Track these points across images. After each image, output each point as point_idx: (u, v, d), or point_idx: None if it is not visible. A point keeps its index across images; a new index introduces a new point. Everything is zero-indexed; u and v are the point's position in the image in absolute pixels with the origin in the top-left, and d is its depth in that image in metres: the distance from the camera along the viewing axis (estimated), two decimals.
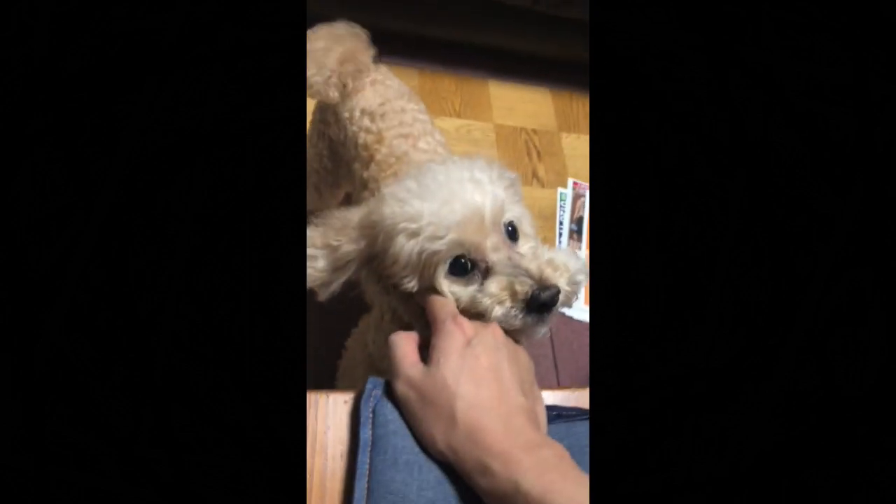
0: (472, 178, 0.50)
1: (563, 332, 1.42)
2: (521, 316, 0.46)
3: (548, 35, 1.68)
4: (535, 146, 1.70)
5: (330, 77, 0.87)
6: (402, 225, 0.48)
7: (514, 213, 0.52)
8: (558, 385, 1.35)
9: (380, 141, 0.85)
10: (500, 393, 0.39)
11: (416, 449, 0.39)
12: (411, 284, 0.50)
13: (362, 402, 0.42)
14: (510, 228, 0.51)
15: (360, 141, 0.87)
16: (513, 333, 0.47)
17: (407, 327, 0.50)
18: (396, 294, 0.54)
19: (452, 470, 0.38)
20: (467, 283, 0.49)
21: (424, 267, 0.49)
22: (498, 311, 0.46)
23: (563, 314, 1.43)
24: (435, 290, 0.49)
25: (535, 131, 1.73)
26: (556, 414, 0.45)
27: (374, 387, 0.43)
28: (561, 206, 1.60)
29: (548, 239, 1.54)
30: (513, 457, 0.35)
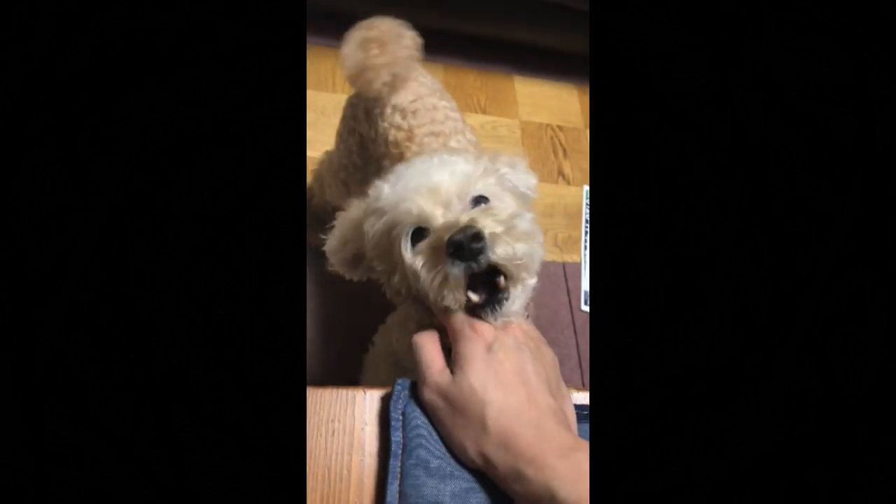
0: (444, 161, 0.51)
1: (587, 332, 1.41)
2: (448, 269, 0.42)
3: (574, 30, 1.64)
4: (561, 143, 1.68)
5: (386, 78, 0.85)
6: (371, 207, 0.51)
7: (484, 187, 0.49)
8: (584, 385, 1.34)
9: (410, 139, 0.84)
10: (528, 397, 0.39)
11: (448, 453, 0.39)
12: (381, 268, 0.52)
13: (391, 404, 0.42)
14: (478, 200, 0.49)
15: (391, 138, 0.86)
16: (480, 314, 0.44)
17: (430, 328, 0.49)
18: (412, 298, 0.54)
19: (483, 474, 0.38)
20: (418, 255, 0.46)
21: (391, 244, 0.49)
22: (424, 272, 0.44)
23: (588, 314, 1.43)
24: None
25: (560, 128, 1.71)
26: (587, 413, 0.45)
27: (402, 388, 0.43)
28: (587, 204, 1.58)
29: (573, 237, 1.53)
30: (547, 462, 0.35)
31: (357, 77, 0.85)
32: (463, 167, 0.50)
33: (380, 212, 0.50)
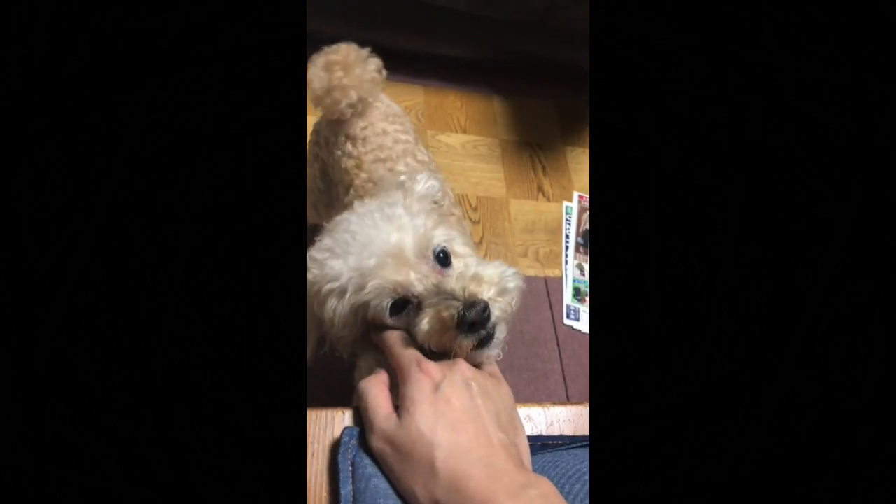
0: (386, 217, 0.50)
1: (571, 346, 1.43)
2: (458, 340, 0.45)
3: (552, 49, 1.70)
4: (541, 161, 1.73)
5: (352, 98, 0.86)
6: (327, 287, 0.49)
7: (441, 237, 0.51)
8: (568, 400, 1.35)
9: (359, 166, 0.85)
10: (476, 434, 0.38)
11: (400, 502, 0.38)
12: (350, 340, 0.52)
13: (339, 455, 0.40)
14: (441, 255, 0.51)
15: (343, 166, 0.88)
16: (475, 363, 0.47)
17: None
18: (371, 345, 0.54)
19: None
20: (406, 322, 0.48)
21: (364, 321, 0.49)
22: (438, 344, 0.46)
23: (570, 328, 1.44)
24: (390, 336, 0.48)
25: (540, 146, 1.75)
26: (542, 444, 0.45)
27: (350, 437, 0.42)
28: (567, 220, 1.64)
29: (554, 252, 1.56)
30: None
31: (324, 98, 0.86)
32: (417, 223, 0.50)
33: (341, 292, 0.49)
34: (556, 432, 0.47)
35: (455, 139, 1.68)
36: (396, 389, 0.43)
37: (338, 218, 0.54)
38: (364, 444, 0.41)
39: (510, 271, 0.50)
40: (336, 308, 0.49)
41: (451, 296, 0.46)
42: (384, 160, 0.84)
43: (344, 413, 0.44)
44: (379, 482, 0.39)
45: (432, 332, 0.45)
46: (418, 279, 0.48)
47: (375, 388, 0.43)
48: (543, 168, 1.71)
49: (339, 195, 0.91)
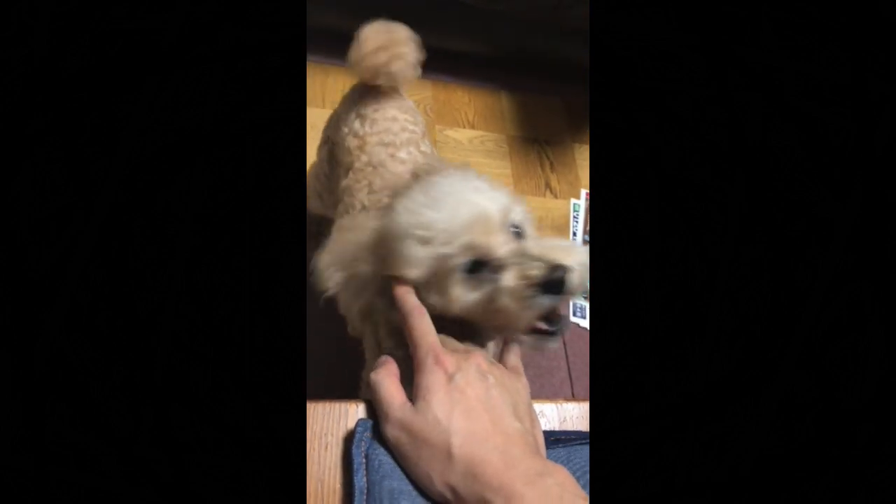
0: (475, 187, 0.53)
1: (577, 344, 1.42)
2: (538, 300, 0.47)
3: (560, 47, 1.70)
4: (549, 157, 1.72)
5: (396, 67, 0.89)
6: (416, 232, 0.51)
7: (518, 214, 0.54)
8: (573, 397, 1.35)
9: (361, 147, 0.86)
10: (492, 422, 0.38)
11: (414, 492, 0.38)
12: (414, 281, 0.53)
13: (353, 446, 0.40)
14: (516, 230, 0.54)
15: (347, 145, 0.89)
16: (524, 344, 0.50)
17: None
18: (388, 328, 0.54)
19: None
20: (480, 284, 0.50)
21: (437, 273, 0.51)
22: (516, 303, 0.48)
23: (577, 325, 1.44)
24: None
25: (547, 142, 1.75)
26: (555, 439, 0.45)
27: (364, 430, 0.42)
28: (574, 217, 1.62)
29: None
30: (515, 491, 0.34)
31: (371, 55, 0.87)
32: (498, 195, 0.53)
33: (426, 240, 0.50)
34: (569, 428, 0.48)
35: (462, 134, 1.67)
36: (406, 382, 0.43)
37: (427, 179, 0.57)
38: (378, 436, 0.41)
39: (584, 249, 0.53)
40: (418, 253, 0.51)
41: (536, 258, 0.48)
42: (387, 144, 0.85)
43: (358, 405, 0.44)
44: (393, 473, 0.39)
45: (515, 291, 0.48)
46: (502, 243, 0.50)
47: (387, 380, 0.43)
48: (551, 164, 1.70)
49: (338, 177, 0.92)
